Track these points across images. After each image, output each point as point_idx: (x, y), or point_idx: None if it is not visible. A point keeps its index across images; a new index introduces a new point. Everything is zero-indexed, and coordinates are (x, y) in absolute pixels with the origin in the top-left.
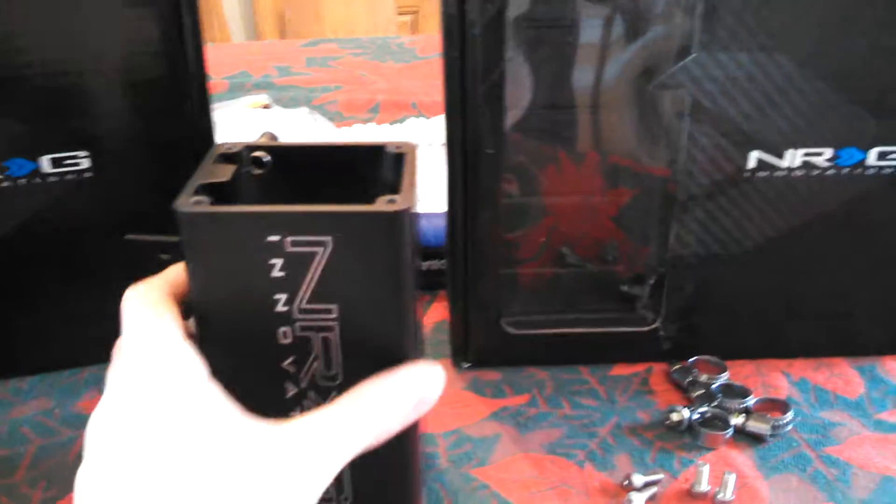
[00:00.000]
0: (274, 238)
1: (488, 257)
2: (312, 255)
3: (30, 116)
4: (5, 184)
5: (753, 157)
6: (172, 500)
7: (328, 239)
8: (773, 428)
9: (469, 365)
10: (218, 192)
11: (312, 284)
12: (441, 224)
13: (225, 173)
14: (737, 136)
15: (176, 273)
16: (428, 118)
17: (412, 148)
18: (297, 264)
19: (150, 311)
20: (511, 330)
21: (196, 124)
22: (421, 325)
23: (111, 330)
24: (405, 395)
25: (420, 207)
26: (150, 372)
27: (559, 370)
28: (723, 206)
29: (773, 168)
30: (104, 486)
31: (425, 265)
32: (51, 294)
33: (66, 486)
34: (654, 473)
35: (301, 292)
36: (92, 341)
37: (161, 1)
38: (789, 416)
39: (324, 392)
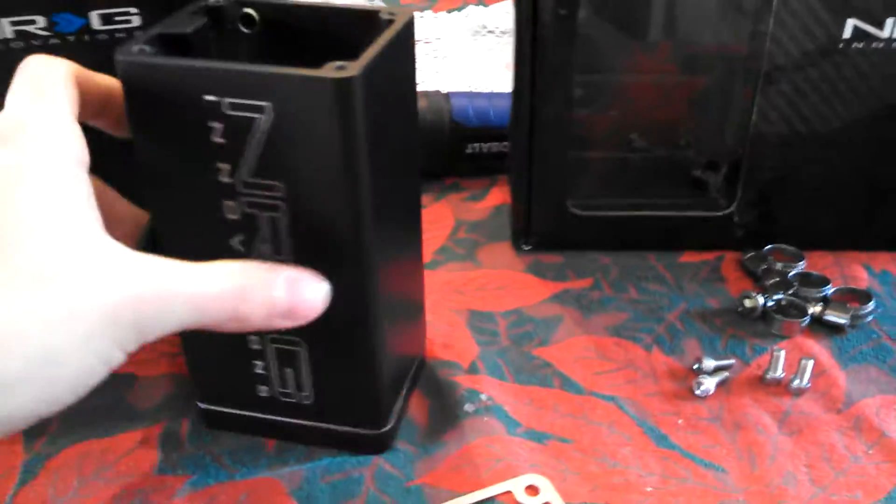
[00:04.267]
0: (211, 98)
1: (554, 137)
2: (252, 122)
3: None
4: (54, 40)
5: (850, 26)
6: None
7: (268, 105)
8: (853, 318)
9: (530, 248)
10: (180, 45)
11: (255, 156)
12: (503, 104)
13: (188, 25)
14: (833, 1)
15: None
16: (487, 6)
17: (407, 15)
18: (238, 131)
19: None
20: (576, 211)
21: None
22: (419, 216)
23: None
24: (267, 297)
25: (476, 87)
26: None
27: (624, 256)
28: (812, 79)
29: (871, 38)
30: None
31: (486, 147)
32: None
33: None
34: (726, 359)
35: (243, 163)
36: None
37: None
38: (870, 306)
39: None
